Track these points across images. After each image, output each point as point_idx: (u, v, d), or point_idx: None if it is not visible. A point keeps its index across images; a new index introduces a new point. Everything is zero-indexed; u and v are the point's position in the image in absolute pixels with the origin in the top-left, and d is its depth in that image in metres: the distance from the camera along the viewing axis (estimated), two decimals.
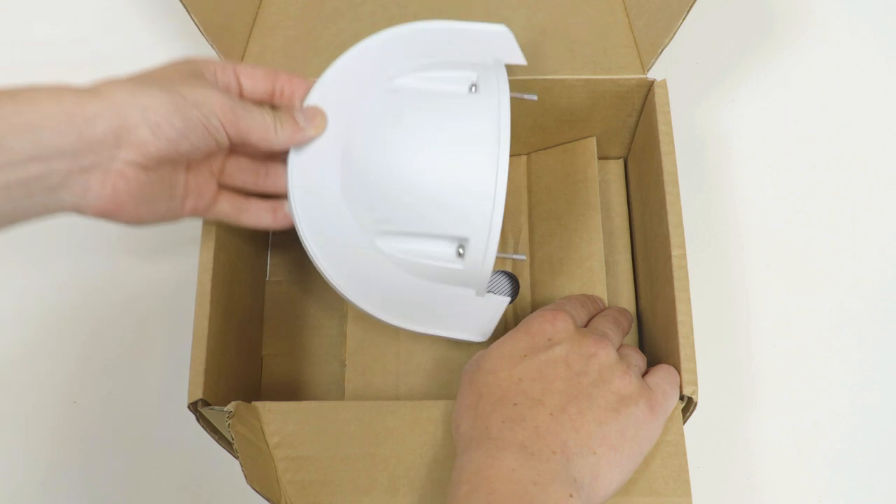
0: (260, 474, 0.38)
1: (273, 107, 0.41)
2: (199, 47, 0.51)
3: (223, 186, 0.42)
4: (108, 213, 0.35)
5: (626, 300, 0.52)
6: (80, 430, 0.51)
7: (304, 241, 0.42)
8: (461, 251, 0.41)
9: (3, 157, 0.30)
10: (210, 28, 0.45)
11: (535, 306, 0.49)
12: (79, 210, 0.34)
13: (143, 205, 0.36)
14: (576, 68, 0.48)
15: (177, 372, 0.51)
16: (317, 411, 0.40)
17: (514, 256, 0.48)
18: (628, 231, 0.54)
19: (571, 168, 0.52)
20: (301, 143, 0.41)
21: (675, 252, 0.42)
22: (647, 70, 0.47)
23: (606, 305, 0.46)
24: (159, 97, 0.34)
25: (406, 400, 0.47)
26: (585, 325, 0.42)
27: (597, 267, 0.49)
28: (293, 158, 0.42)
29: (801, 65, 0.61)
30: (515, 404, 0.36)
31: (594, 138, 0.53)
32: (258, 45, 0.49)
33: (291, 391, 0.51)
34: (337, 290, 0.43)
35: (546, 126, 0.52)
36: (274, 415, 0.40)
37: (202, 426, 0.40)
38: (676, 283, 0.41)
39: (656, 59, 0.46)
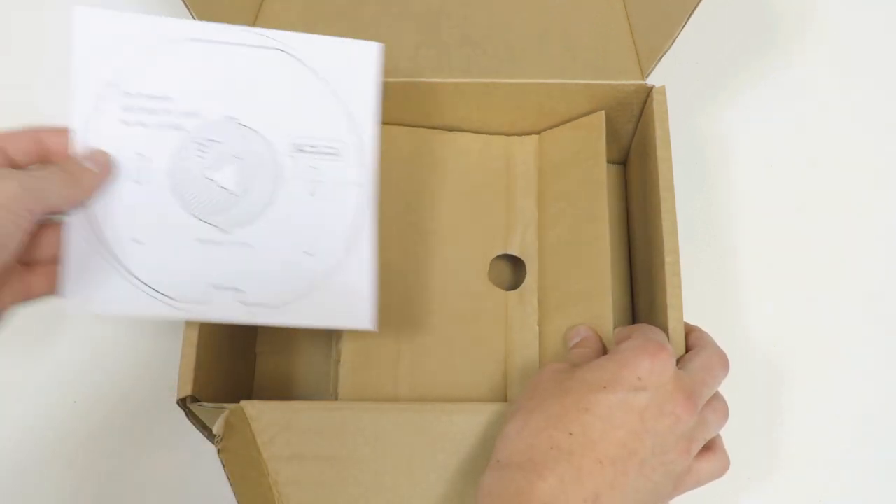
0: (253, 493, 0.37)
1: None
2: None
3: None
4: None
5: (623, 306, 0.52)
6: (80, 430, 0.51)
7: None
8: None
9: None
10: None
11: (542, 293, 0.49)
12: None
13: None
14: (576, 73, 0.48)
15: (177, 371, 0.51)
16: (312, 411, 0.40)
17: None
18: (626, 236, 0.54)
19: (581, 145, 0.51)
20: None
21: (668, 259, 0.42)
22: (647, 76, 0.47)
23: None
24: None
25: (405, 401, 0.47)
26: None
27: (602, 247, 0.47)
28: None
29: (802, 64, 0.61)
30: (571, 434, 0.34)
31: (603, 112, 0.50)
32: None
33: (285, 389, 0.51)
34: None
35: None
36: (267, 415, 0.40)
37: (192, 422, 0.40)
38: (669, 290, 0.41)
39: (655, 64, 0.46)
